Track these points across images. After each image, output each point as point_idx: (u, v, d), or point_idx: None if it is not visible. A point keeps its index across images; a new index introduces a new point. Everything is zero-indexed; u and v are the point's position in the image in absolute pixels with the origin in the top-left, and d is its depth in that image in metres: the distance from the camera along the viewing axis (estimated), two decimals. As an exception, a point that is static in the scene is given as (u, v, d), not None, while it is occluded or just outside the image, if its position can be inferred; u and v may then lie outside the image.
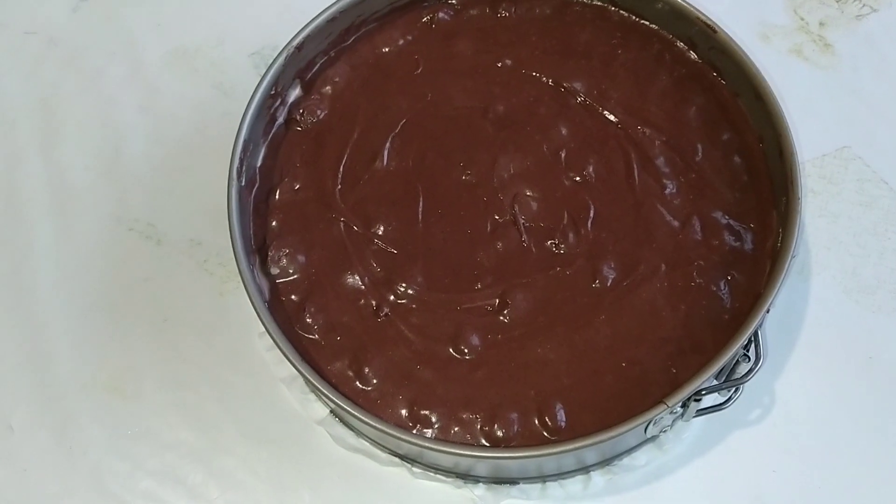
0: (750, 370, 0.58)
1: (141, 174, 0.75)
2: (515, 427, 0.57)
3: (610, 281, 0.61)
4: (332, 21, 0.67)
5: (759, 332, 0.58)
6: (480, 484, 0.63)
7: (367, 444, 0.65)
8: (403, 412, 0.58)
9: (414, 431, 0.57)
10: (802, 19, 0.79)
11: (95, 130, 0.78)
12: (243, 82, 0.78)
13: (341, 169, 0.66)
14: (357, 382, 0.59)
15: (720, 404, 0.60)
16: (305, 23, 0.67)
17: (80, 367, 0.69)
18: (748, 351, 0.58)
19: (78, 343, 0.70)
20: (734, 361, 0.58)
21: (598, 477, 0.63)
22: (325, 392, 0.55)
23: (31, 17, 0.83)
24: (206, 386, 0.68)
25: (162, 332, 0.70)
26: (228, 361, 0.68)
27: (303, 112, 0.68)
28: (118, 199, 0.75)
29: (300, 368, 0.56)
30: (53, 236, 0.73)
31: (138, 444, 0.67)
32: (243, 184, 0.63)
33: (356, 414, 0.55)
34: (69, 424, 0.67)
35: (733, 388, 0.58)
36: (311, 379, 0.56)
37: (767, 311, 0.56)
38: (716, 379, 0.58)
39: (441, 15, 0.71)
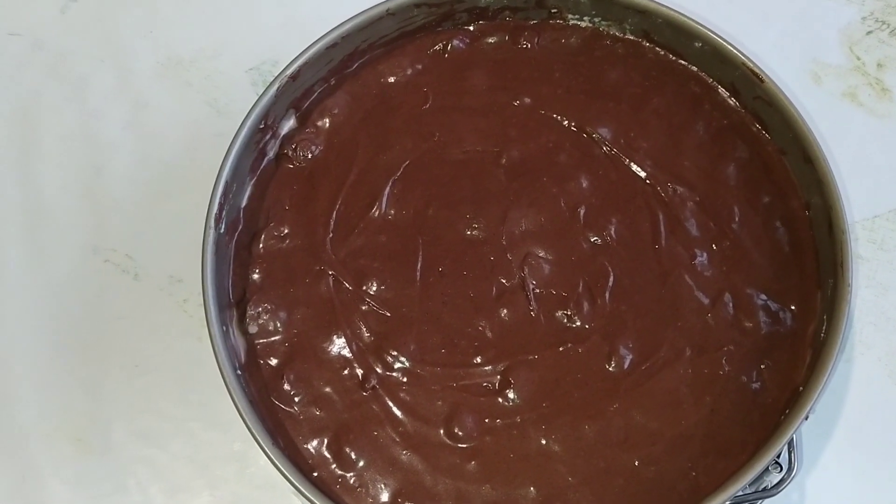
0: (781, 480, 0.51)
1: (122, 198, 0.69)
2: (512, 530, 0.51)
3: (627, 363, 0.54)
4: (332, 47, 0.60)
5: (795, 437, 0.51)
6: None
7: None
8: (386, 502, 0.52)
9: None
10: (859, 59, 0.71)
11: (77, 146, 0.71)
12: (238, 100, 0.71)
13: (334, 215, 0.59)
14: (335, 466, 0.53)
15: (743, 506, 0.54)
16: (306, 46, 0.60)
17: (44, 413, 0.63)
18: (779, 458, 0.51)
19: (43, 386, 0.64)
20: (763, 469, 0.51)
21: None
22: (292, 480, 0.49)
23: (17, 17, 0.76)
24: (179, 443, 0.62)
25: (134, 378, 0.64)
26: (204, 416, 0.63)
27: (296, 147, 0.61)
28: (96, 226, 0.68)
29: (266, 450, 0.50)
30: (23, 264, 0.67)
31: (101, 504, 0.61)
32: (222, 230, 0.56)
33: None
34: (28, 476, 0.62)
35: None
36: (278, 464, 0.49)
37: (806, 418, 0.49)
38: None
39: (456, 42, 0.64)
